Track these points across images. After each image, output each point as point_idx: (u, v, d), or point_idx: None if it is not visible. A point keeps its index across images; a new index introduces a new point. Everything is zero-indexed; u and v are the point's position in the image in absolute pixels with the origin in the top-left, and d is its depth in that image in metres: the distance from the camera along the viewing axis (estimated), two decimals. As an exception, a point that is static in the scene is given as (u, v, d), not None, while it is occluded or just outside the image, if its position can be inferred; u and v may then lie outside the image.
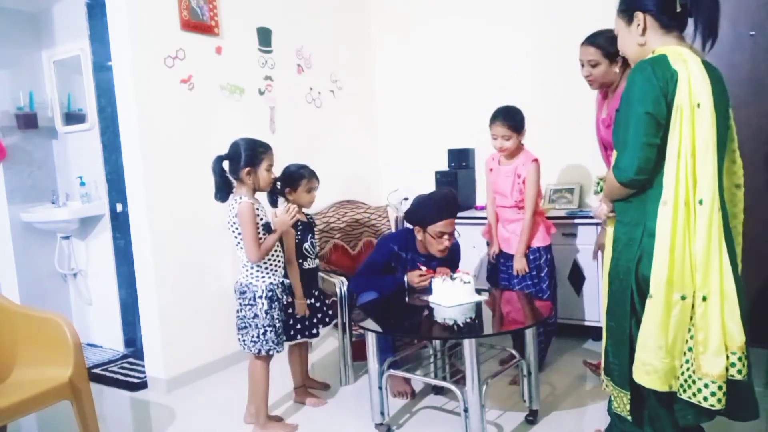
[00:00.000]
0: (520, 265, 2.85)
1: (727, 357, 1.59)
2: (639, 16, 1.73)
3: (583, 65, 2.58)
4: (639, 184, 1.69)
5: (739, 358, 1.60)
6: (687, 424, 1.72)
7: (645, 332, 1.66)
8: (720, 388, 1.57)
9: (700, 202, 1.59)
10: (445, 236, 2.70)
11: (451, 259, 2.88)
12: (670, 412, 1.75)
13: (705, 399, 1.59)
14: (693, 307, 1.62)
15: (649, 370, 1.66)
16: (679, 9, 1.68)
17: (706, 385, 1.59)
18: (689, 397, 1.63)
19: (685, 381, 1.64)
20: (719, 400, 1.58)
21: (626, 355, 1.76)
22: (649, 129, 1.63)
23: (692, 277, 1.61)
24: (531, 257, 2.88)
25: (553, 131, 3.67)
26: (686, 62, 1.62)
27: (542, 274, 2.88)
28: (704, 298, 1.60)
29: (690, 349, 1.64)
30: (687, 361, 1.64)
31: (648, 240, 1.68)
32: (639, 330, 1.70)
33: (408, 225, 2.88)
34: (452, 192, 2.91)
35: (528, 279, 2.87)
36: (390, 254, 2.85)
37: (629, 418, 1.81)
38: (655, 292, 1.63)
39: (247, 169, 2.36)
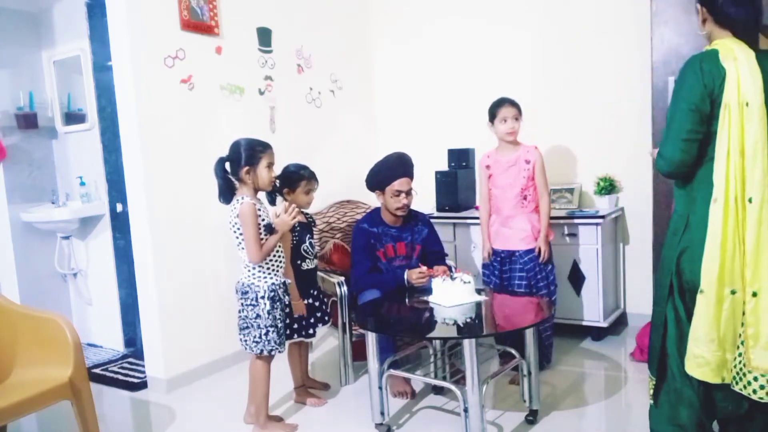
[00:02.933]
0: (545, 245, 2.87)
1: None
2: (699, 8, 1.79)
3: None
4: (679, 176, 1.77)
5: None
6: (726, 414, 1.77)
7: (697, 326, 1.71)
8: None
9: (750, 200, 1.63)
10: (402, 194, 2.84)
11: (431, 234, 3.02)
12: (709, 403, 1.80)
13: (754, 392, 1.64)
14: (744, 302, 1.67)
15: (701, 362, 1.71)
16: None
17: (755, 378, 1.64)
18: (741, 389, 1.68)
19: (737, 373, 1.69)
20: (767, 393, 1.63)
21: (658, 341, 1.83)
22: (691, 125, 1.69)
23: (742, 273, 1.66)
24: (533, 255, 2.87)
25: (553, 131, 3.68)
26: (736, 60, 1.65)
27: (547, 271, 2.90)
28: (754, 294, 1.65)
29: (743, 343, 1.68)
30: (740, 354, 1.68)
31: (689, 234, 1.75)
32: (674, 322, 1.79)
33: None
34: (404, 153, 2.96)
35: (538, 275, 2.87)
36: (365, 234, 2.92)
37: (651, 401, 1.90)
38: (707, 287, 1.68)
39: (246, 168, 2.36)
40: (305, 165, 2.76)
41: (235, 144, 2.40)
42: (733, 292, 1.67)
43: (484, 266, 3.04)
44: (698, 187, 1.74)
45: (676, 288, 1.80)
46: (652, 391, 1.91)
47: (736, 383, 1.69)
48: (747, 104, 1.62)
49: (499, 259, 2.95)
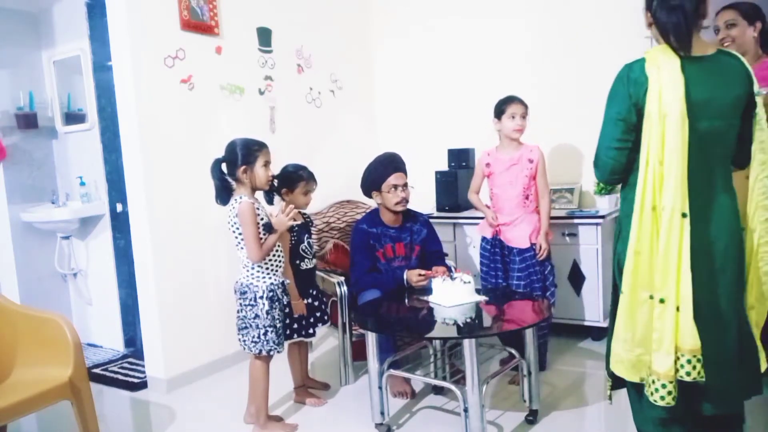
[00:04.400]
0: (546, 243, 2.88)
1: (678, 359, 1.65)
2: (645, 12, 1.83)
3: (717, 31, 2.58)
4: (614, 182, 1.83)
5: (689, 361, 1.65)
6: (656, 415, 1.76)
7: (617, 324, 1.76)
8: (665, 386, 1.66)
9: (663, 209, 1.65)
10: (399, 188, 2.86)
11: (430, 235, 3.02)
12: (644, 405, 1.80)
13: (656, 391, 1.68)
14: (653, 307, 1.70)
15: (617, 360, 1.78)
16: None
17: (653, 381, 1.69)
18: (650, 394, 1.71)
19: (648, 376, 1.72)
20: (663, 398, 1.66)
21: (608, 341, 1.85)
22: (620, 134, 1.74)
23: (653, 279, 1.69)
24: (533, 252, 2.88)
25: (553, 131, 3.67)
26: (659, 68, 1.66)
27: (546, 272, 2.91)
28: (662, 300, 1.67)
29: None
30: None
31: (620, 237, 1.82)
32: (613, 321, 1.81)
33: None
34: (394, 152, 3.00)
35: (534, 275, 2.87)
36: (364, 235, 2.92)
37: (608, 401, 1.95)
38: (625, 288, 1.72)
39: (243, 167, 2.36)
40: (304, 165, 2.75)
41: (231, 144, 2.40)
42: (651, 297, 1.69)
43: (484, 255, 3.01)
44: (629, 192, 1.77)
45: (613, 289, 1.87)
46: (609, 392, 1.93)
47: (648, 386, 1.72)
48: (667, 114, 1.63)
49: (499, 249, 2.95)
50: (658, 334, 1.67)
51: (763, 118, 1.74)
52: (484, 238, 3.02)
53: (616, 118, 1.73)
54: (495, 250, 2.96)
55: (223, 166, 2.40)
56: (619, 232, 1.82)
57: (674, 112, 1.62)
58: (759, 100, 2.15)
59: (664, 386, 1.66)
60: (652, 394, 1.69)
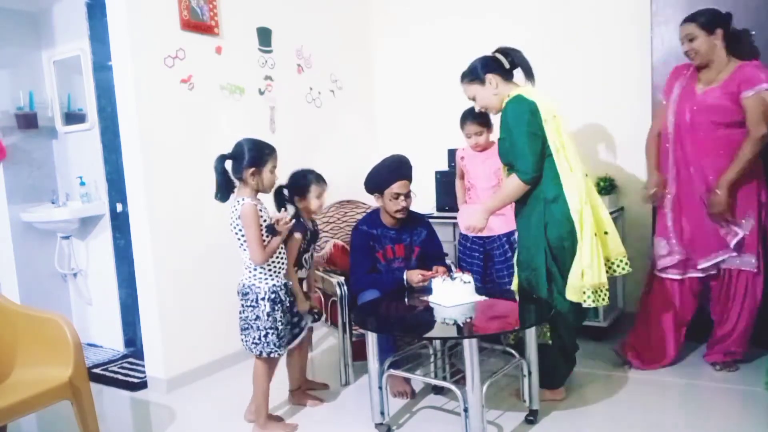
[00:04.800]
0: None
1: (611, 264, 2.54)
2: (489, 77, 2.51)
3: (683, 43, 2.75)
4: (537, 179, 2.43)
5: (621, 260, 2.55)
6: (583, 320, 2.66)
7: (581, 264, 2.39)
8: (606, 290, 2.44)
9: (571, 170, 2.43)
10: (401, 197, 2.84)
11: (430, 236, 3.04)
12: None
13: (599, 299, 2.44)
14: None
15: (572, 291, 2.42)
16: (508, 66, 2.52)
17: (602, 290, 2.44)
18: (592, 302, 2.41)
19: (599, 289, 2.43)
20: (603, 299, 2.43)
21: (545, 293, 2.48)
22: (537, 142, 2.40)
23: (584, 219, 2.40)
24: (509, 241, 3.04)
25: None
26: (531, 93, 2.46)
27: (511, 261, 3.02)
28: (606, 232, 2.49)
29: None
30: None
31: (549, 212, 2.43)
32: (552, 275, 2.47)
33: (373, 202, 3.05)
34: (402, 156, 2.97)
35: (506, 262, 3.05)
36: (364, 236, 2.92)
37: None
38: (587, 234, 2.39)
39: (252, 169, 2.35)
40: (310, 169, 2.74)
41: (240, 144, 2.39)
42: (596, 234, 2.40)
43: (463, 251, 3.21)
44: (545, 180, 2.43)
45: (549, 253, 2.44)
46: (548, 333, 2.50)
47: (598, 294, 2.43)
48: (554, 116, 2.44)
49: (480, 246, 3.13)
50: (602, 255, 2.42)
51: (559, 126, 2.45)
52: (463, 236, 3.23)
53: (531, 132, 2.44)
54: (474, 248, 3.16)
55: (228, 164, 2.39)
56: (543, 210, 2.44)
57: (556, 112, 2.53)
58: (749, 102, 2.37)
59: (605, 290, 2.42)
60: (594, 301, 2.39)
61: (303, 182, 2.69)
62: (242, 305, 2.44)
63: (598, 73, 3.59)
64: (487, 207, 2.55)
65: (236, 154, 2.37)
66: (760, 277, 2.74)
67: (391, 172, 2.85)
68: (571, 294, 2.42)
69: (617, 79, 3.52)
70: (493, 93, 2.53)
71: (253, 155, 2.35)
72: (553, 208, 2.42)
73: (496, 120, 2.84)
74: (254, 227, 2.30)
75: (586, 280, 2.37)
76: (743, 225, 2.68)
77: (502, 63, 2.51)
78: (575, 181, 2.40)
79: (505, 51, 2.54)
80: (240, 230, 2.35)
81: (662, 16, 3.17)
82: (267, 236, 2.38)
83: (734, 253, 2.71)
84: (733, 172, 2.60)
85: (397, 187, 2.82)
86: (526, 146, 2.38)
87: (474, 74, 2.56)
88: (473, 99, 2.64)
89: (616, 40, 3.53)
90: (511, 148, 2.44)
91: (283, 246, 2.47)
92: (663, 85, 2.95)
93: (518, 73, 2.55)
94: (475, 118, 3.03)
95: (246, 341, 2.44)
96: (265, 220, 2.38)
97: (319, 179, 2.72)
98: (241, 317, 2.45)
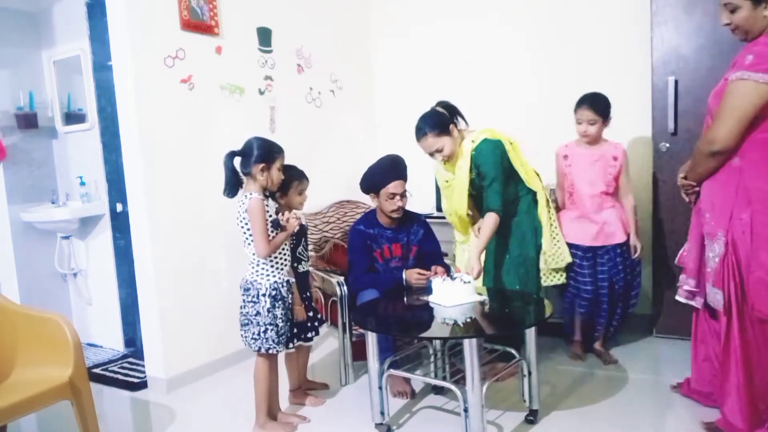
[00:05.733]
0: (639, 244, 2.99)
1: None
2: (452, 127, 2.75)
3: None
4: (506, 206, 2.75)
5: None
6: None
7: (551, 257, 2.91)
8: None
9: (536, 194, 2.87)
10: (397, 197, 2.84)
11: (427, 235, 3.05)
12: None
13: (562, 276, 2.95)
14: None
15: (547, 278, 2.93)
16: (448, 116, 2.78)
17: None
18: (556, 279, 2.95)
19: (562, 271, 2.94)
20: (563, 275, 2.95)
21: (534, 289, 2.87)
22: (503, 180, 2.73)
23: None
24: (624, 249, 2.97)
25: (555, 130, 3.65)
26: (492, 133, 2.76)
27: (637, 268, 3.02)
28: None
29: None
30: None
31: (528, 221, 2.86)
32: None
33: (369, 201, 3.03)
34: (398, 156, 2.98)
35: (623, 272, 2.95)
36: (361, 235, 2.93)
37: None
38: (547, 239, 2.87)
39: (262, 165, 2.37)
40: (292, 165, 2.73)
41: (250, 141, 2.42)
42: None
43: (576, 271, 2.98)
44: (521, 203, 2.85)
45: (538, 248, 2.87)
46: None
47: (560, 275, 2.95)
48: (511, 143, 2.80)
49: (590, 255, 2.97)
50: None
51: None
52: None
53: (502, 169, 2.79)
54: (584, 260, 2.98)
55: (236, 160, 2.41)
56: (533, 233, 2.85)
57: (514, 142, 2.93)
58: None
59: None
60: (558, 278, 2.91)
61: (284, 178, 2.68)
62: (243, 300, 2.45)
63: (598, 73, 3.59)
64: (478, 249, 2.67)
65: (246, 151, 2.41)
66: None
67: (386, 172, 2.86)
68: (546, 281, 2.93)
69: (617, 79, 3.52)
70: (455, 141, 2.74)
71: (264, 152, 2.39)
72: (534, 215, 2.87)
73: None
74: (261, 220, 2.33)
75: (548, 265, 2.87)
76: None
77: (446, 115, 2.75)
78: (540, 185, 2.85)
79: (445, 104, 2.81)
80: (246, 224, 2.36)
81: (662, 16, 3.17)
82: (273, 231, 2.40)
83: None
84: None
85: (392, 187, 2.83)
86: (499, 186, 2.68)
87: (442, 127, 2.71)
88: (439, 151, 2.73)
89: (616, 40, 3.53)
90: (488, 188, 2.70)
91: (286, 243, 2.48)
92: (663, 84, 2.94)
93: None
94: (595, 104, 2.88)
95: (245, 336, 2.45)
96: (270, 215, 2.40)
97: (301, 176, 2.71)
98: (241, 312, 2.46)
